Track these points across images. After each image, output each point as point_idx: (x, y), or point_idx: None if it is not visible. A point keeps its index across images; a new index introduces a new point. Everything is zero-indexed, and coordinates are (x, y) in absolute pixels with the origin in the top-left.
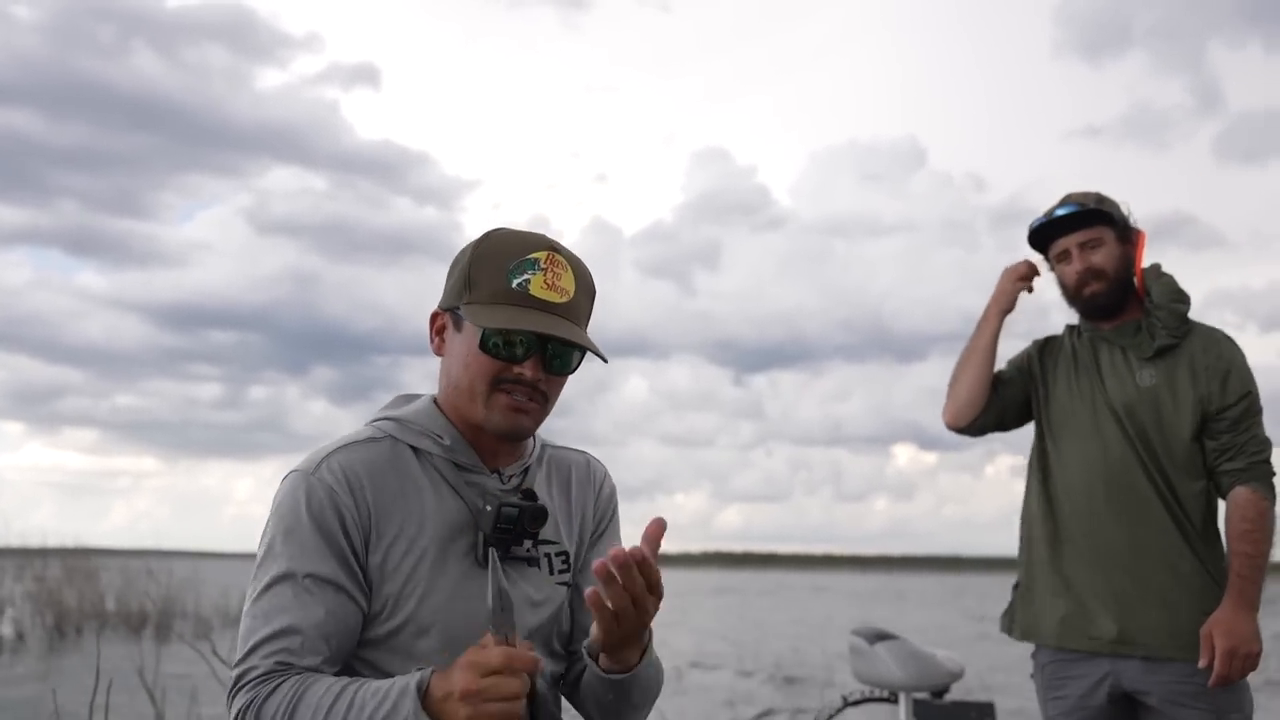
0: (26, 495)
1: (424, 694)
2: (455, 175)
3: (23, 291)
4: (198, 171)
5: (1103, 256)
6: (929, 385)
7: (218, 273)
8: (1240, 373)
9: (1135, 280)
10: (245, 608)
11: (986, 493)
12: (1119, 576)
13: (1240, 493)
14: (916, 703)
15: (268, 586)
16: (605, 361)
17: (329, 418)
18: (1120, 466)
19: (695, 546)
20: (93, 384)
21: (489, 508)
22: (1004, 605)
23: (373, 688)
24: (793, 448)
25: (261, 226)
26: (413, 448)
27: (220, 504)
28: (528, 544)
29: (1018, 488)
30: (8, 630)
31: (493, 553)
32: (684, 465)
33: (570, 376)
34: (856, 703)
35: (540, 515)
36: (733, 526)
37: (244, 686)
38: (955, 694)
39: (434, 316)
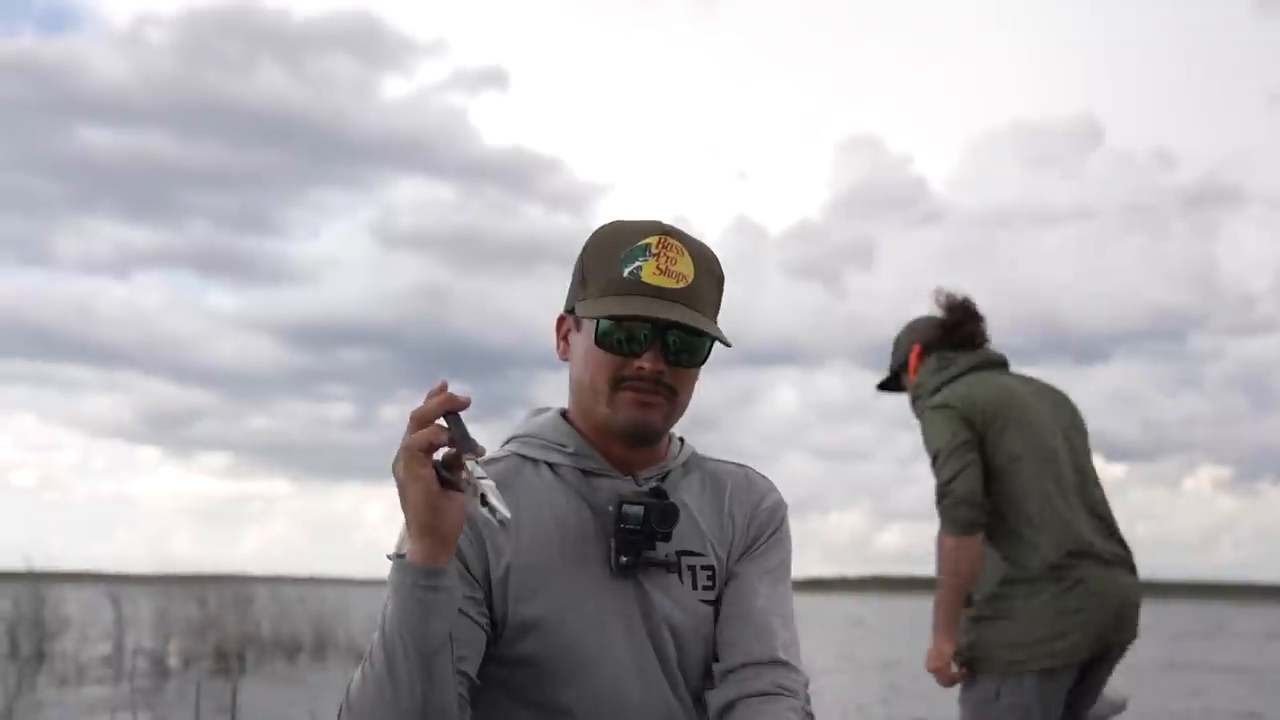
0: (165, 521)
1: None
2: (588, 179)
3: (157, 315)
4: (325, 186)
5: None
6: (1113, 389)
7: (347, 289)
8: (925, 434)
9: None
10: None
11: (1186, 509)
12: None
13: None
14: None
15: None
16: (728, 345)
17: None
18: None
19: (853, 570)
20: (225, 406)
21: (611, 508)
22: (1205, 637)
23: None
24: None
25: (389, 240)
26: (539, 461)
27: (352, 528)
28: (666, 550)
29: (1222, 504)
30: (175, 661)
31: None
32: (839, 481)
33: (706, 375)
34: None
35: (670, 513)
36: (895, 547)
37: None
38: None
39: (560, 321)
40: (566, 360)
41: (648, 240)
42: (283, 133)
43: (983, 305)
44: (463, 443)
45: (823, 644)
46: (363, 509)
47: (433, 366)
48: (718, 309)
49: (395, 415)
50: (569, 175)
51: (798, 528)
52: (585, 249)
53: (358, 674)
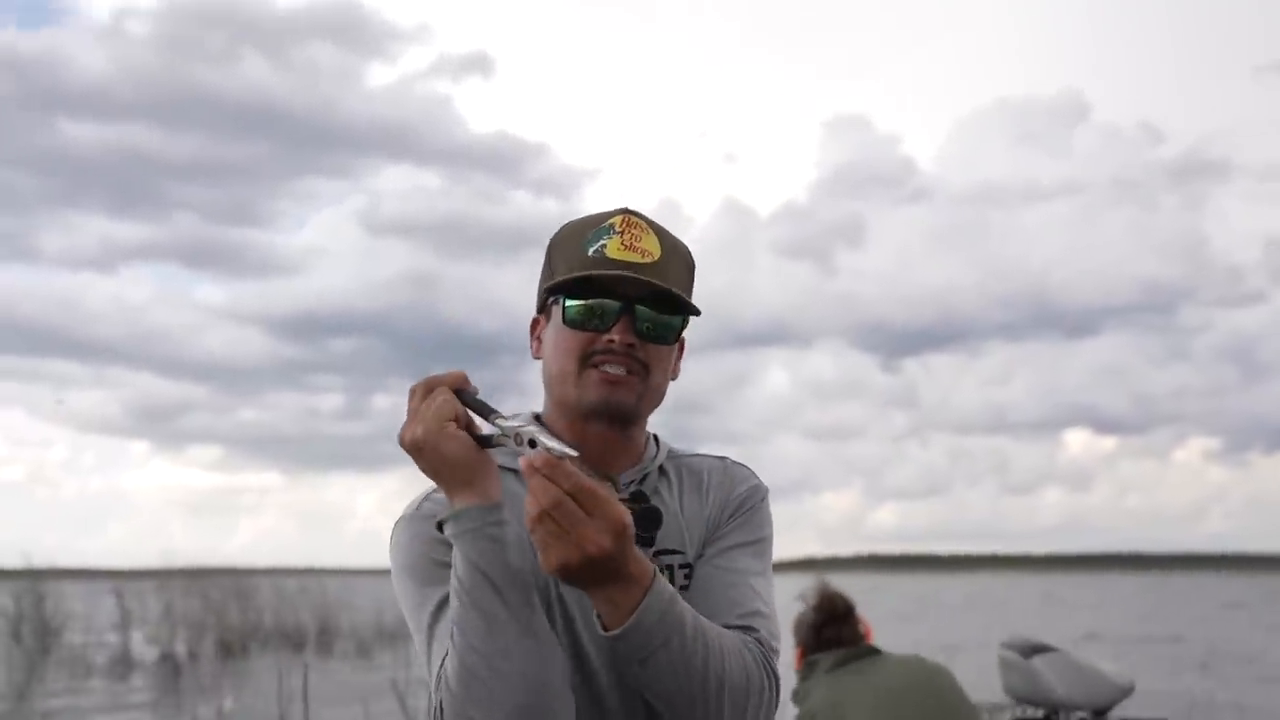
0: (155, 515)
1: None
2: (575, 164)
3: (145, 308)
4: (311, 175)
5: None
6: (1103, 362)
7: (334, 279)
8: None
9: None
10: (421, 654)
11: (1176, 481)
12: None
13: None
14: None
15: (428, 634)
16: (698, 314)
17: None
18: None
19: (846, 549)
20: (215, 399)
21: None
22: (1198, 608)
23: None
24: (951, 437)
25: (375, 228)
26: (517, 470)
27: (343, 519)
28: (646, 553)
29: (1213, 475)
30: (181, 650)
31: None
32: (832, 461)
33: (697, 359)
34: None
35: (652, 517)
36: (887, 526)
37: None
38: (1123, 711)
39: (534, 323)
40: (539, 358)
41: (611, 220)
42: (267, 123)
43: (972, 283)
44: (482, 405)
45: None
46: (354, 499)
47: (422, 354)
48: (689, 291)
49: (387, 404)
50: (556, 160)
51: (791, 509)
52: (551, 242)
53: (451, 659)
